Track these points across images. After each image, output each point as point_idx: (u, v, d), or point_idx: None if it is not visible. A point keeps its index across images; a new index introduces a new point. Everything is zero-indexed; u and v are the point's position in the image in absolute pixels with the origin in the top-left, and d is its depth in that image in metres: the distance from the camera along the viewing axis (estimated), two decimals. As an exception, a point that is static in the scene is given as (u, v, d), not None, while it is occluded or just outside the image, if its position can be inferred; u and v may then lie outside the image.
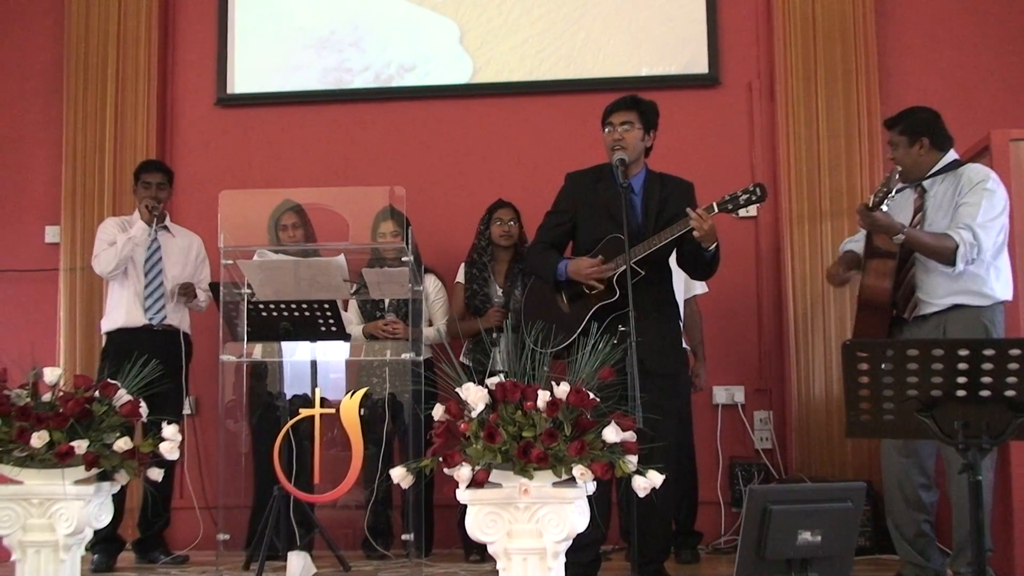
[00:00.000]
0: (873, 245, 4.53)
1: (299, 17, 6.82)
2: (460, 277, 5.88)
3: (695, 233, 4.31)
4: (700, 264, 4.58)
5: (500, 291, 5.73)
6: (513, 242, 5.79)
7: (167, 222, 5.82)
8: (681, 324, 5.35)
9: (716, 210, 4.36)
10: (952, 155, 4.57)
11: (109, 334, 5.70)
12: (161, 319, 5.61)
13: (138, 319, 5.60)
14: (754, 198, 4.39)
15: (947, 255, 4.32)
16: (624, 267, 4.30)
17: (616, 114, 4.60)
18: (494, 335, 5.58)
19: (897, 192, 4.69)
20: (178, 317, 5.70)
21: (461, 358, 5.66)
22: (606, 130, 4.62)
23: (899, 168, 4.41)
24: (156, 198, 5.69)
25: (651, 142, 4.68)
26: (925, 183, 4.56)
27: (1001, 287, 4.43)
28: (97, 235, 5.77)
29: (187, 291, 5.67)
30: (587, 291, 4.52)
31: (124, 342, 5.50)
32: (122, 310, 5.63)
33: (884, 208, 4.30)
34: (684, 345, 5.58)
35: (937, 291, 4.43)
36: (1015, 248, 4.65)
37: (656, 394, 4.14)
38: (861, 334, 4.55)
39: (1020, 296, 4.69)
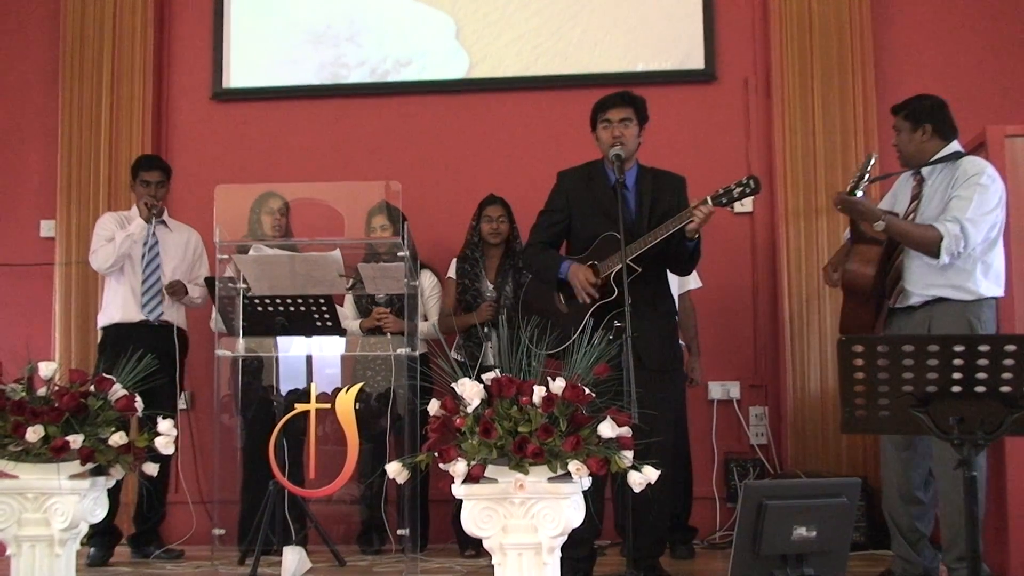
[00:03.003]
0: (859, 230, 4.53)
1: (295, 12, 6.81)
2: (452, 272, 5.89)
3: (691, 225, 4.32)
4: (681, 257, 4.57)
5: (491, 286, 5.74)
6: (503, 239, 5.80)
7: (165, 217, 5.81)
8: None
9: (711, 203, 4.36)
10: (955, 146, 4.55)
11: (105, 329, 5.70)
12: (158, 315, 5.61)
13: (134, 314, 5.60)
14: (748, 190, 4.39)
15: (931, 246, 4.30)
16: (620, 265, 4.30)
17: (614, 111, 4.59)
18: (485, 329, 5.59)
19: (887, 176, 4.70)
20: (174, 313, 5.70)
21: (452, 353, 5.67)
22: (601, 126, 4.61)
23: (875, 155, 4.41)
24: (155, 196, 5.69)
25: (643, 137, 4.69)
26: (924, 171, 4.55)
27: (989, 284, 4.39)
28: (95, 231, 5.77)
29: (176, 289, 5.65)
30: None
31: (120, 337, 5.50)
32: (118, 305, 5.63)
33: (859, 194, 4.30)
34: (679, 340, 5.60)
35: (921, 281, 4.41)
36: (1010, 244, 4.64)
37: (652, 389, 4.15)
38: (847, 322, 4.54)
39: (1016, 292, 4.68)
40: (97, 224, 5.81)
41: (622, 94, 4.65)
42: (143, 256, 5.66)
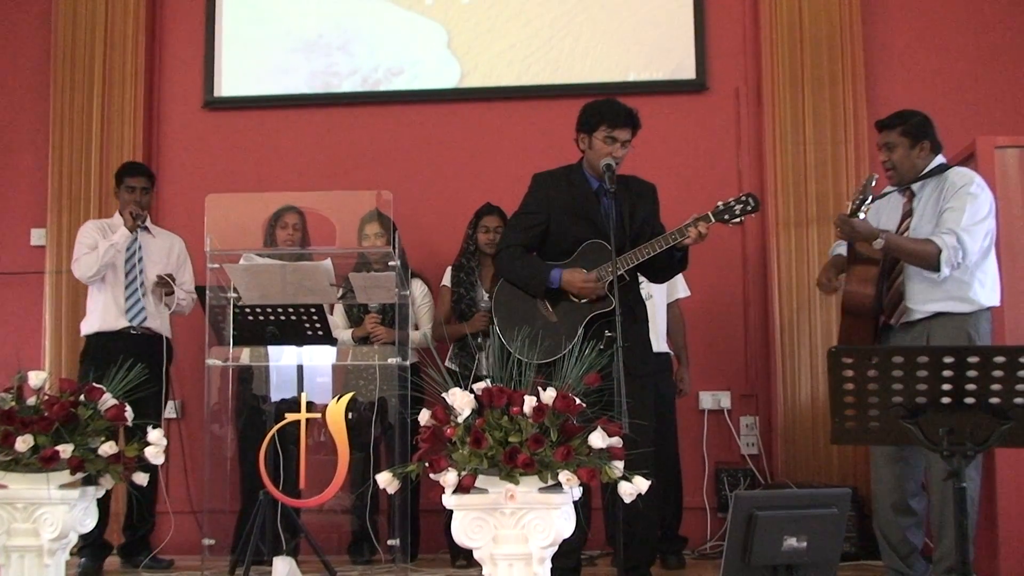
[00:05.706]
0: (855, 251, 4.53)
1: (287, 20, 6.81)
2: (446, 280, 5.87)
3: (689, 241, 4.33)
4: (670, 267, 4.57)
5: (486, 296, 5.72)
6: None
7: (147, 223, 5.76)
8: (665, 328, 5.40)
9: (712, 220, 4.37)
10: (940, 159, 4.57)
11: (88, 337, 5.66)
12: (141, 321, 5.58)
13: (116, 322, 5.56)
14: (748, 208, 4.41)
15: (931, 260, 4.31)
16: (614, 275, 4.30)
17: (624, 131, 4.45)
18: (479, 340, 5.57)
19: (885, 195, 4.70)
20: (158, 320, 5.66)
21: (447, 362, 5.65)
22: (604, 139, 4.47)
23: (875, 175, 4.41)
24: (140, 203, 5.66)
25: None
26: (914, 187, 4.56)
27: (986, 294, 4.42)
28: (77, 239, 5.72)
29: (164, 283, 5.59)
30: (576, 299, 4.48)
31: (103, 345, 5.49)
32: (99, 313, 5.59)
33: (861, 215, 4.31)
34: (667, 349, 5.61)
35: (922, 298, 4.43)
36: (1001, 254, 4.65)
37: (639, 396, 4.15)
38: (846, 341, 4.55)
39: (1006, 303, 4.70)
40: (79, 232, 5.76)
41: (635, 118, 4.51)
42: (126, 262, 5.60)
